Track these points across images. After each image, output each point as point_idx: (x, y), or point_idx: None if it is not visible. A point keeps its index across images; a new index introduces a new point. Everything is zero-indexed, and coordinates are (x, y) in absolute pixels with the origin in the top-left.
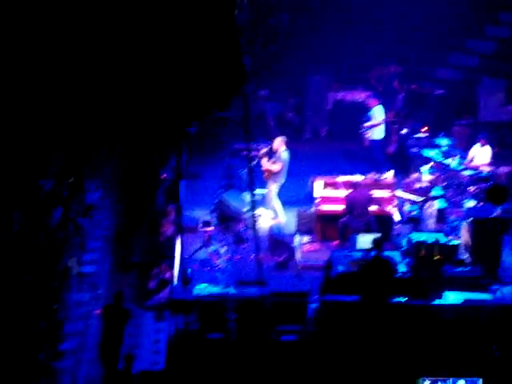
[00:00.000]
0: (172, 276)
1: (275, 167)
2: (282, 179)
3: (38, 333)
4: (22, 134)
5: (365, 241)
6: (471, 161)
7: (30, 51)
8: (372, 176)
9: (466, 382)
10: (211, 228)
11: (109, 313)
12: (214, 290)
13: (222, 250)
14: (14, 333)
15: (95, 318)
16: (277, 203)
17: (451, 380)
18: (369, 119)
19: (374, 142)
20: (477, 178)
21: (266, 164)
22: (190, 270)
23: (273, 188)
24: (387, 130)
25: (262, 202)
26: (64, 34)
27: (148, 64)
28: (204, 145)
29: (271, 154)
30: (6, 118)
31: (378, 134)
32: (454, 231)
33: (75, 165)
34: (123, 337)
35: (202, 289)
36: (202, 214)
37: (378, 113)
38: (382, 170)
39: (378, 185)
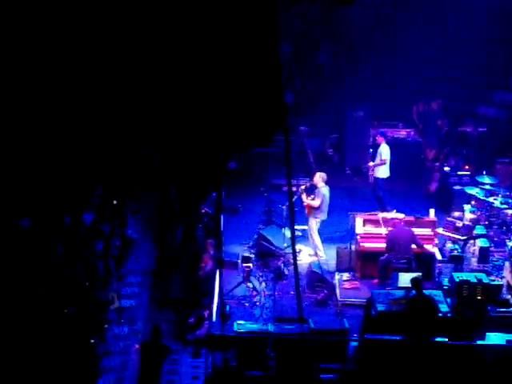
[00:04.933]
0: (211, 312)
1: (314, 203)
2: (322, 215)
3: (77, 367)
4: (64, 168)
5: (406, 279)
6: None
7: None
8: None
9: None
10: (250, 264)
11: (147, 348)
12: (253, 326)
13: (262, 286)
14: (54, 366)
15: (133, 352)
16: (317, 239)
17: None
18: (375, 157)
19: (377, 179)
20: None
21: (305, 199)
22: (228, 307)
23: (313, 224)
24: (429, 168)
25: (302, 238)
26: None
27: (192, 101)
28: (244, 179)
29: (311, 189)
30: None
31: (382, 172)
32: (496, 271)
33: (115, 200)
34: (161, 373)
35: (241, 325)
36: (241, 250)
37: (383, 151)
38: (384, 209)
39: (420, 223)
